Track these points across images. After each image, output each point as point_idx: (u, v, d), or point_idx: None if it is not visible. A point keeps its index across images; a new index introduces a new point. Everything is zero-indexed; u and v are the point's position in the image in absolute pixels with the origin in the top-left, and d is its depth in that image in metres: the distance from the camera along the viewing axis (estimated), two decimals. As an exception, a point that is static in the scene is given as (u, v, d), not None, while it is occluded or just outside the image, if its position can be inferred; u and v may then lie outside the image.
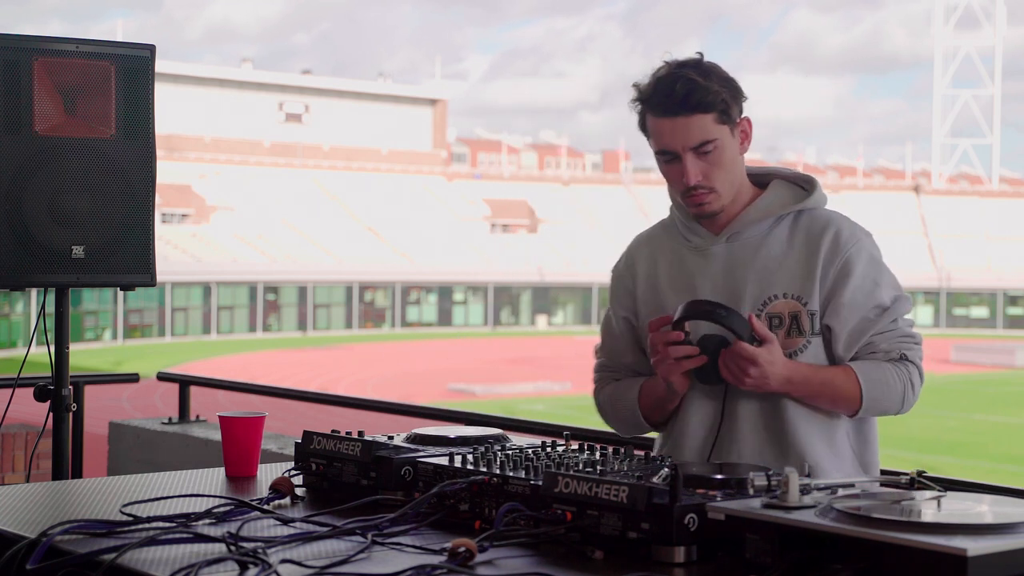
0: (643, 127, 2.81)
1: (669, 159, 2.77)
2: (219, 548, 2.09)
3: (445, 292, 62.49)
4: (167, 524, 2.27)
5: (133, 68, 4.02)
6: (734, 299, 2.78)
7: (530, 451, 2.57)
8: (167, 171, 57.23)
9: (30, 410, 4.69)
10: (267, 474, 2.90)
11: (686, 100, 2.71)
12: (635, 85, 2.80)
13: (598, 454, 2.51)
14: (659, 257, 2.93)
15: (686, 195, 2.79)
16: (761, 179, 2.91)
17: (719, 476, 2.17)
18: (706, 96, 2.71)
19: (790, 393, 2.72)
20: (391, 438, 2.67)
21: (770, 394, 2.75)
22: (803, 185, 2.91)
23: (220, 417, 2.95)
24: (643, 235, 3.02)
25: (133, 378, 6.60)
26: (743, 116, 2.81)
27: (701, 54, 2.80)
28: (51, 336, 4.10)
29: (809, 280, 2.77)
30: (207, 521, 2.32)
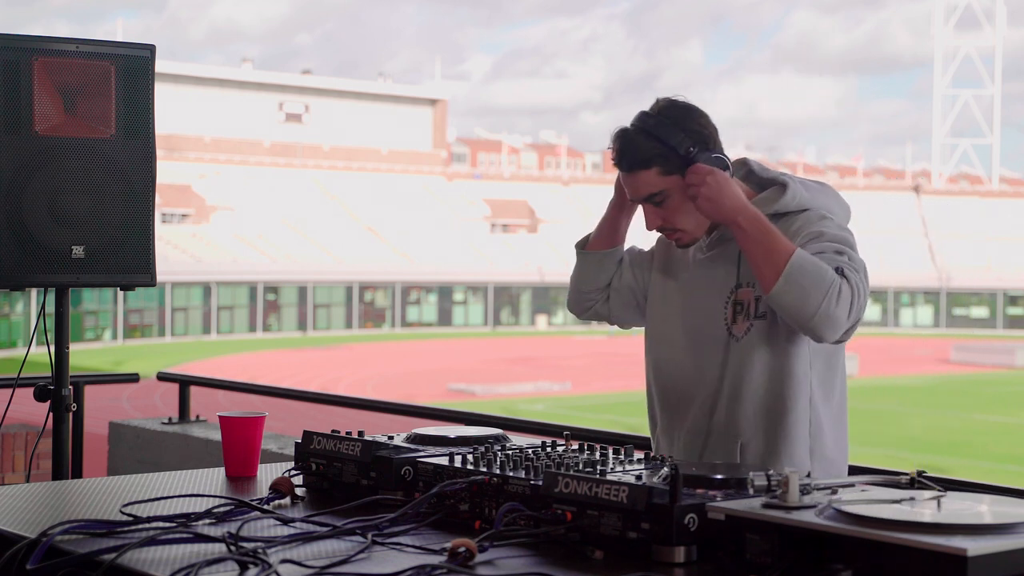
0: None
1: (641, 206, 2.94)
2: (219, 548, 2.09)
3: (445, 292, 62.50)
4: (167, 524, 2.27)
5: (133, 68, 4.02)
6: (708, 285, 2.92)
7: (530, 451, 2.57)
8: (167, 171, 57.25)
9: (30, 410, 4.69)
10: (267, 474, 2.90)
11: (622, 159, 2.87)
12: None
13: (598, 454, 2.51)
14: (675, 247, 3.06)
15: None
16: (765, 182, 2.95)
17: (719, 476, 2.17)
18: (637, 155, 2.84)
19: (739, 224, 2.73)
20: (391, 438, 2.67)
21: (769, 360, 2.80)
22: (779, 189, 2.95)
23: (220, 417, 2.95)
24: None
25: (133, 378, 6.59)
26: (711, 157, 2.80)
27: (674, 98, 2.87)
28: (51, 336, 4.10)
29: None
30: (207, 521, 2.32)
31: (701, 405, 2.90)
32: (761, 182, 2.94)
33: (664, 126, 2.81)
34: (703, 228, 2.91)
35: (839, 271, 2.69)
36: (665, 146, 2.80)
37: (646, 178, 2.84)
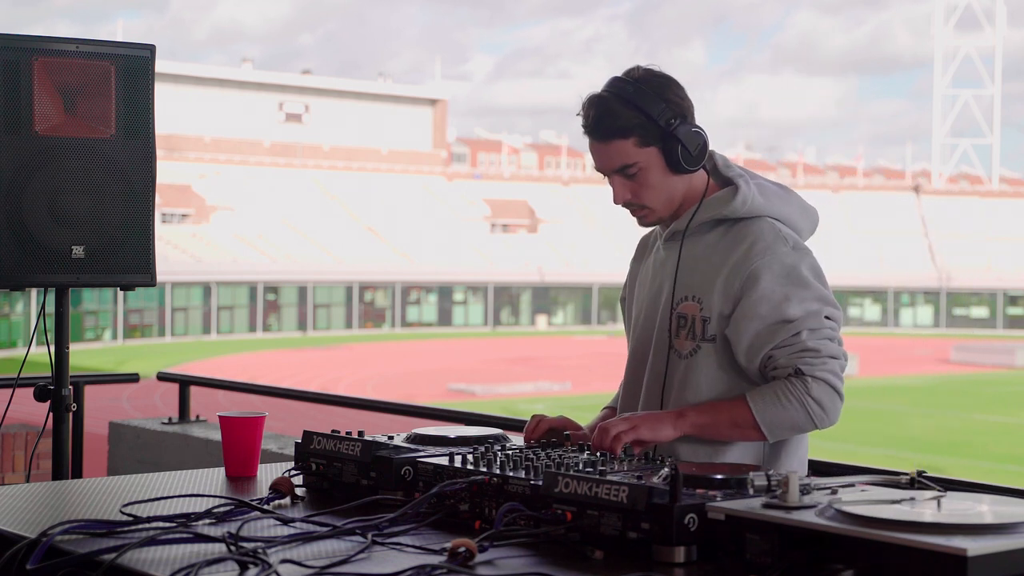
0: None
1: (604, 177, 2.82)
2: (219, 548, 2.09)
3: (445, 292, 62.49)
4: (167, 524, 2.27)
5: (133, 68, 4.01)
6: (656, 295, 2.86)
7: (530, 451, 2.57)
8: (167, 171, 57.23)
9: (30, 410, 4.69)
10: (267, 474, 2.90)
11: (597, 126, 2.75)
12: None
13: (598, 454, 2.51)
14: (649, 247, 3.03)
15: (626, 208, 2.85)
16: (725, 180, 2.88)
17: (719, 476, 2.17)
18: (616, 122, 2.72)
19: (690, 433, 2.66)
20: (391, 438, 2.67)
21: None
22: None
23: (220, 417, 2.95)
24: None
25: (133, 378, 6.59)
26: (690, 131, 2.74)
27: (650, 67, 2.77)
28: (51, 336, 4.10)
29: (709, 287, 2.76)
30: (207, 521, 2.32)
31: None
32: (723, 179, 2.86)
33: (645, 94, 2.72)
34: (670, 208, 2.82)
35: (797, 372, 2.64)
36: (645, 116, 2.71)
37: (621, 148, 2.73)
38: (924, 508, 1.98)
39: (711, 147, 2.85)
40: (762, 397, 2.65)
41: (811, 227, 2.88)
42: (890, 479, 2.32)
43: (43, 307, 4.06)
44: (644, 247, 3.06)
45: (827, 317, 2.68)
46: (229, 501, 2.45)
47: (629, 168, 2.76)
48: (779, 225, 2.78)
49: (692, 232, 2.83)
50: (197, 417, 6.38)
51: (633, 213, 2.84)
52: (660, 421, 2.65)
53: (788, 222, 2.81)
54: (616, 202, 2.82)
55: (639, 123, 2.72)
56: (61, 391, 4.13)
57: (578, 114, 2.78)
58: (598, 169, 2.80)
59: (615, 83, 2.75)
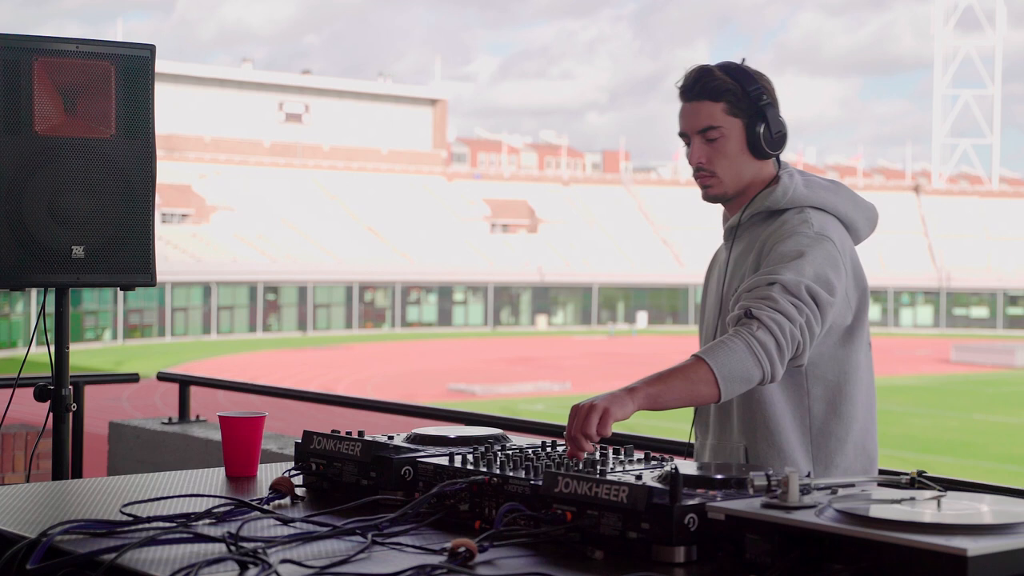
0: None
1: (686, 142, 2.91)
2: (219, 548, 2.09)
3: (445, 292, 62.50)
4: (167, 524, 2.27)
5: (133, 68, 4.01)
6: (715, 298, 2.93)
7: (530, 451, 2.57)
8: (167, 171, 57.28)
9: (30, 410, 4.69)
10: (267, 474, 2.90)
11: (694, 85, 2.86)
12: None
13: (598, 454, 2.51)
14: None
15: (694, 176, 2.91)
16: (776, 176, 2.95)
17: (719, 476, 2.17)
18: (711, 82, 2.84)
19: (645, 404, 2.56)
20: (391, 438, 2.67)
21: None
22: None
23: (220, 417, 2.95)
24: None
25: (133, 378, 6.59)
26: (777, 116, 2.85)
27: (743, 60, 2.92)
28: (51, 336, 4.10)
29: (736, 279, 2.84)
30: (207, 521, 2.32)
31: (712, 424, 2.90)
32: (776, 174, 2.93)
33: (745, 72, 2.85)
34: (736, 186, 2.88)
35: (747, 313, 2.61)
36: (740, 88, 2.83)
37: (710, 110, 2.84)
38: (924, 508, 1.98)
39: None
40: (710, 347, 2.63)
41: (867, 221, 2.92)
42: (890, 479, 2.31)
43: (43, 307, 4.06)
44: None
45: (811, 295, 2.65)
46: (229, 501, 2.45)
47: (711, 131, 2.85)
48: (813, 213, 2.82)
49: (743, 228, 2.90)
50: (197, 417, 6.37)
51: (701, 181, 2.90)
52: (622, 400, 2.53)
53: (836, 212, 2.86)
54: (690, 162, 2.90)
55: (732, 91, 2.84)
56: (61, 391, 4.12)
57: (676, 83, 2.90)
58: (682, 132, 2.89)
59: (727, 62, 2.89)
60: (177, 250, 56.57)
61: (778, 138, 2.86)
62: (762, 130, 2.84)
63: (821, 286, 2.68)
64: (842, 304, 2.76)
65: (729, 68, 2.87)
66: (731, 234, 2.94)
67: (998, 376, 43.51)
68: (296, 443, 2.73)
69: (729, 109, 2.83)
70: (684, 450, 3.12)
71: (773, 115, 2.85)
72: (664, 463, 2.45)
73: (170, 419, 6.33)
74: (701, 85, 2.84)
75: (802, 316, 2.63)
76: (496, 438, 2.72)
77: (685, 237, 70.72)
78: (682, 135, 2.91)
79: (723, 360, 2.57)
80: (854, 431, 2.84)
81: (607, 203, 74.98)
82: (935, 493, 2.09)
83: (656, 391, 2.54)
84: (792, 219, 2.80)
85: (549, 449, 2.61)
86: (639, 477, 2.18)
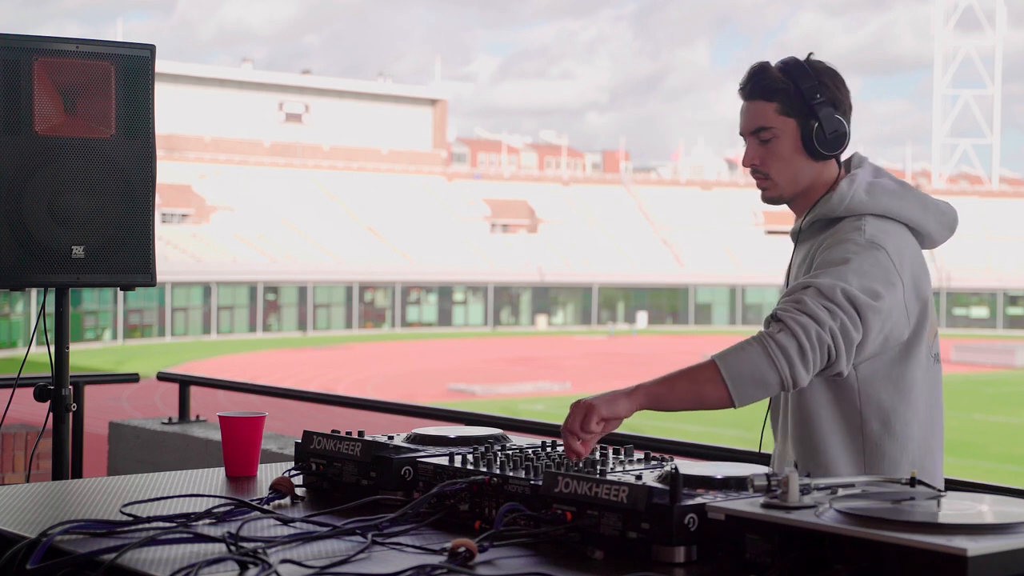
0: None
1: (745, 142, 2.83)
2: (219, 548, 2.09)
3: (445, 292, 62.50)
4: (167, 524, 2.27)
5: (133, 68, 4.01)
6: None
7: (530, 451, 2.57)
8: (167, 171, 57.27)
9: (30, 410, 4.69)
10: (267, 474, 2.90)
11: (747, 84, 2.79)
12: None
13: (598, 454, 2.51)
14: None
15: (753, 176, 2.84)
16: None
17: (719, 476, 2.17)
18: (764, 81, 2.76)
19: (646, 407, 2.53)
20: (391, 438, 2.67)
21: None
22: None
23: (220, 417, 2.95)
24: None
25: (133, 378, 6.59)
26: (832, 115, 2.73)
27: (826, 62, 2.81)
28: (51, 336, 4.10)
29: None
30: (207, 521, 2.32)
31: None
32: (838, 177, 2.81)
33: (802, 70, 2.75)
34: (793, 189, 2.78)
35: (774, 316, 2.53)
36: (794, 86, 2.74)
37: (762, 109, 2.76)
38: (924, 508, 1.98)
39: (863, 156, 2.84)
40: (726, 349, 2.56)
41: (940, 224, 2.78)
42: (890, 479, 2.31)
43: (43, 307, 4.06)
44: None
45: (849, 300, 2.53)
46: (229, 501, 2.45)
47: (764, 132, 2.76)
48: (871, 221, 2.69)
49: (804, 235, 2.82)
50: (197, 417, 6.38)
51: (758, 183, 2.83)
52: (615, 398, 2.50)
53: (901, 218, 2.72)
54: (744, 164, 2.83)
55: (785, 90, 2.74)
56: (61, 391, 4.12)
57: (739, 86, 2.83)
58: (741, 131, 2.81)
59: (792, 58, 2.79)
60: (177, 250, 56.57)
61: (833, 138, 2.73)
62: (815, 130, 2.72)
63: (864, 292, 2.56)
64: (898, 316, 2.62)
65: (787, 65, 2.76)
66: (795, 240, 2.85)
67: (998, 376, 43.51)
68: (296, 443, 2.73)
69: (782, 108, 2.74)
70: (684, 450, 3.12)
71: (827, 114, 2.72)
72: (664, 463, 2.45)
73: (170, 419, 6.33)
74: (755, 84, 2.76)
75: (835, 321, 2.51)
76: (496, 438, 2.72)
77: (685, 237, 70.77)
78: (742, 134, 2.82)
79: (732, 361, 2.49)
80: (910, 450, 2.77)
81: (607, 203, 75.02)
82: (935, 493, 2.09)
83: (659, 391, 2.49)
84: (846, 227, 2.68)
85: (549, 449, 2.61)
86: (639, 477, 2.18)
